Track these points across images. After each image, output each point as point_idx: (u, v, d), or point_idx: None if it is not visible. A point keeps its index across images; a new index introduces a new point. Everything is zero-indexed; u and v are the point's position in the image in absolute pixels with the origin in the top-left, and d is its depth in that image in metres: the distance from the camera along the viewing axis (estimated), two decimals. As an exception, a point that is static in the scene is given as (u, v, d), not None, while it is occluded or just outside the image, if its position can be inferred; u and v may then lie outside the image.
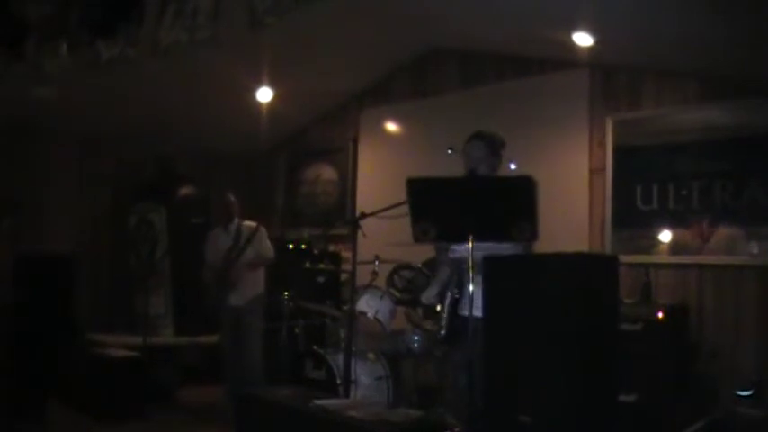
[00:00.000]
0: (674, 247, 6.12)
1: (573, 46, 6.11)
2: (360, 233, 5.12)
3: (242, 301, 6.61)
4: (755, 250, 5.64)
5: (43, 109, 7.28)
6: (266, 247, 6.83)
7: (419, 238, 4.11)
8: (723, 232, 5.85)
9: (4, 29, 5.82)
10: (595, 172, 6.63)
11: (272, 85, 7.69)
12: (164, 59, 5.70)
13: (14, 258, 6.65)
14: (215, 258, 6.77)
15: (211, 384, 7.36)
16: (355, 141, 8.87)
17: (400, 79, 8.45)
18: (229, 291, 6.60)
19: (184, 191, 8.99)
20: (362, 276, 6.01)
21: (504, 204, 3.91)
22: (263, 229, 6.85)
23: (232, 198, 6.90)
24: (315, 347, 6.10)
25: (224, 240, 6.77)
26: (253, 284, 6.73)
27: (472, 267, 3.98)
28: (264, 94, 7.79)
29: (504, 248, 4.22)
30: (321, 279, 7.60)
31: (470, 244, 3.97)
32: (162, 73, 6.81)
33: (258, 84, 7.63)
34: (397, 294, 6.22)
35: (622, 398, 4.68)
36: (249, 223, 6.83)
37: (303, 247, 7.63)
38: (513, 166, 4.51)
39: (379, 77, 8.53)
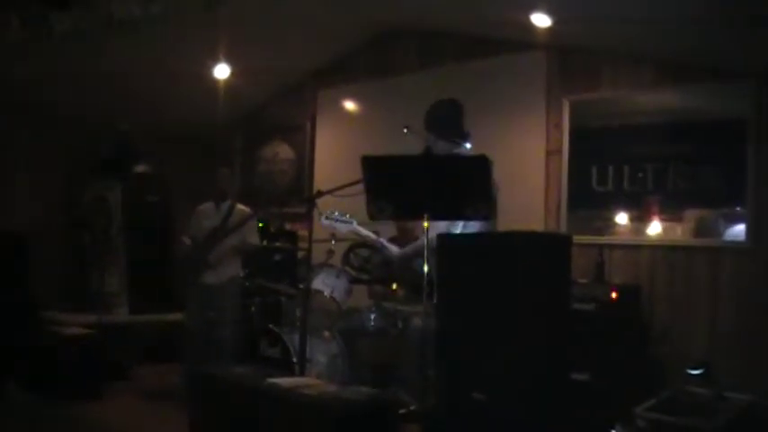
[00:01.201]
0: (629, 228, 6.20)
1: (531, 27, 6.12)
2: (316, 211, 5.10)
3: (218, 281, 6.53)
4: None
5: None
6: (254, 234, 6.75)
7: (375, 215, 4.12)
8: (675, 215, 5.94)
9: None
10: (552, 153, 6.67)
11: (230, 61, 7.61)
12: (119, 34, 5.63)
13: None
14: (198, 233, 6.67)
15: (167, 363, 7.33)
16: (313, 120, 8.83)
17: (358, 58, 8.40)
18: (205, 270, 6.53)
19: (140, 168, 8.91)
20: (319, 255, 6.01)
21: (460, 183, 3.92)
22: (254, 217, 6.76)
23: (227, 174, 6.85)
24: (270, 326, 6.08)
25: (212, 218, 6.64)
26: (232, 267, 6.65)
27: (427, 248, 3.99)
28: (221, 71, 7.71)
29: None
30: (277, 257, 7.57)
31: (425, 223, 3.99)
32: (117, 48, 6.73)
33: (215, 60, 7.55)
34: (352, 273, 6.22)
35: (575, 376, 4.72)
36: (242, 208, 6.71)
37: (260, 225, 7.59)
38: (468, 146, 4.52)
39: (337, 56, 8.48)
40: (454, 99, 4.69)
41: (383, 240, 4.73)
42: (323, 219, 4.84)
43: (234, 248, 6.58)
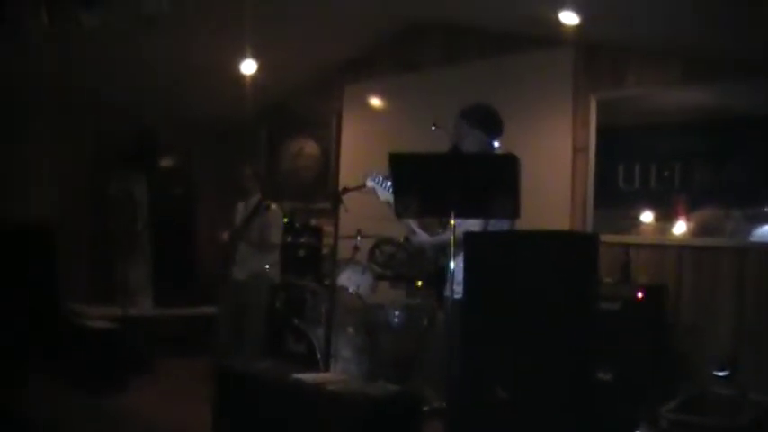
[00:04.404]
0: (655, 227, 6.16)
1: (558, 23, 6.08)
2: (342, 207, 5.11)
3: (244, 276, 6.63)
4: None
5: (23, 77, 7.18)
6: (276, 233, 6.79)
7: (401, 213, 4.12)
8: (702, 213, 5.89)
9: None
10: (578, 151, 6.63)
11: (255, 55, 7.59)
12: (146, 28, 5.65)
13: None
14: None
15: (191, 356, 7.36)
16: (339, 115, 8.82)
17: (385, 54, 8.37)
18: (232, 265, 6.63)
19: (165, 162, 8.94)
20: (344, 251, 6.01)
21: (487, 181, 3.91)
22: (279, 213, 6.84)
23: (248, 172, 6.92)
24: (295, 321, 6.10)
25: (242, 214, 6.78)
26: (255, 262, 6.70)
27: (454, 245, 3.98)
28: (249, 67, 7.71)
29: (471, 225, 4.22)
30: (302, 253, 7.59)
31: (452, 221, 3.98)
32: (143, 40, 6.76)
33: (242, 53, 7.54)
34: (377, 269, 6.22)
35: (600, 376, 4.71)
36: (274, 207, 6.75)
37: (285, 220, 7.62)
38: (495, 144, 4.50)
39: (363, 51, 8.45)
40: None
41: (414, 226, 4.69)
42: (368, 179, 4.79)
43: (254, 245, 6.64)
